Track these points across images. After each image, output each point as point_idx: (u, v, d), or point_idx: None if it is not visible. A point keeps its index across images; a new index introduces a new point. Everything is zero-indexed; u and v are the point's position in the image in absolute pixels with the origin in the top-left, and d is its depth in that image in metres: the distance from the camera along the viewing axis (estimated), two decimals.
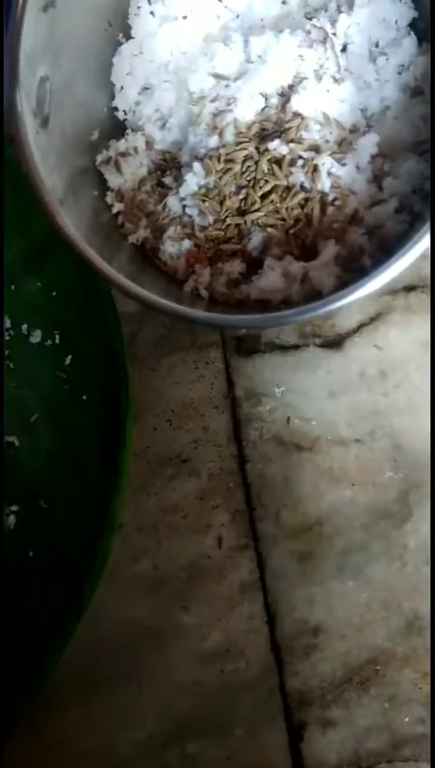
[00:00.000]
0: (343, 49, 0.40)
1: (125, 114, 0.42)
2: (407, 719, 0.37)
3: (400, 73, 0.39)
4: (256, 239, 0.38)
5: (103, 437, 0.38)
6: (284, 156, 0.37)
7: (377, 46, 0.40)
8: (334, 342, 0.42)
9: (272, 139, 0.38)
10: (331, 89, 0.38)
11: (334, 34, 0.39)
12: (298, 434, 0.41)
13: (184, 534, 0.40)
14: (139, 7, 0.42)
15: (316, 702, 0.37)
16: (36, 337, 0.42)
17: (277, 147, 0.37)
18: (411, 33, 0.39)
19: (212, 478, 0.41)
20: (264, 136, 0.38)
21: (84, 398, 0.40)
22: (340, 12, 0.40)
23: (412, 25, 0.40)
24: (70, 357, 0.41)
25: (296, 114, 0.38)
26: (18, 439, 0.41)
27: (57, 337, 0.42)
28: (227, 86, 0.39)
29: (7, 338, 0.42)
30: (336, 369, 0.42)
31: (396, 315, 0.43)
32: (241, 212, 0.38)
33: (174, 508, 0.40)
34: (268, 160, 0.38)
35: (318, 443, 0.41)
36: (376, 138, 0.38)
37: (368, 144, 0.38)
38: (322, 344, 0.42)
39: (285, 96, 0.38)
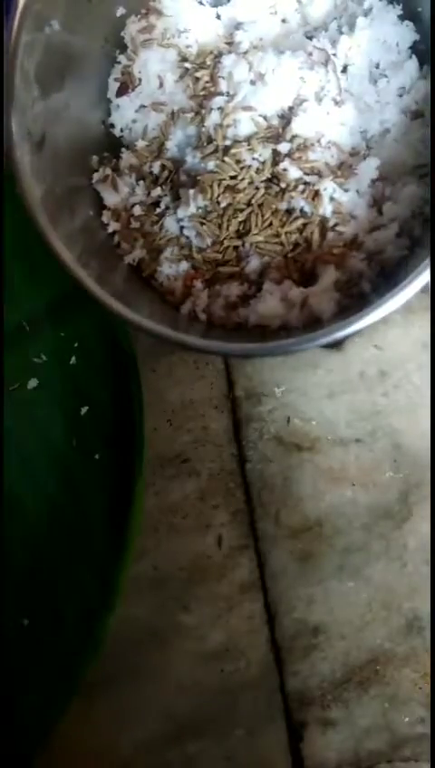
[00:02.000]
0: (344, 70, 0.39)
1: (121, 132, 0.42)
2: (407, 719, 0.37)
3: (400, 96, 0.39)
4: (254, 263, 0.38)
5: (112, 500, 0.37)
6: (286, 180, 0.37)
7: (377, 68, 0.40)
8: (334, 342, 0.42)
9: (276, 163, 0.37)
10: (331, 111, 0.38)
11: (335, 55, 0.39)
12: (298, 434, 0.41)
13: (184, 534, 0.40)
14: (134, 25, 0.41)
15: (316, 702, 0.37)
16: (53, 387, 0.41)
17: (282, 170, 0.37)
18: (413, 55, 0.39)
19: (212, 478, 0.41)
20: (264, 159, 0.38)
21: (96, 456, 0.39)
22: (341, 33, 0.40)
23: (413, 48, 0.40)
24: (86, 408, 0.40)
25: (297, 137, 0.38)
26: (21, 488, 0.39)
27: (75, 390, 0.40)
28: (227, 107, 0.38)
29: (16, 386, 0.41)
30: (336, 369, 0.42)
31: (396, 315, 0.43)
32: (240, 235, 0.38)
33: (174, 508, 0.40)
34: (270, 184, 0.37)
35: (318, 443, 0.41)
36: (376, 162, 0.38)
37: (368, 168, 0.38)
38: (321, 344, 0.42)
39: (286, 118, 0.38)
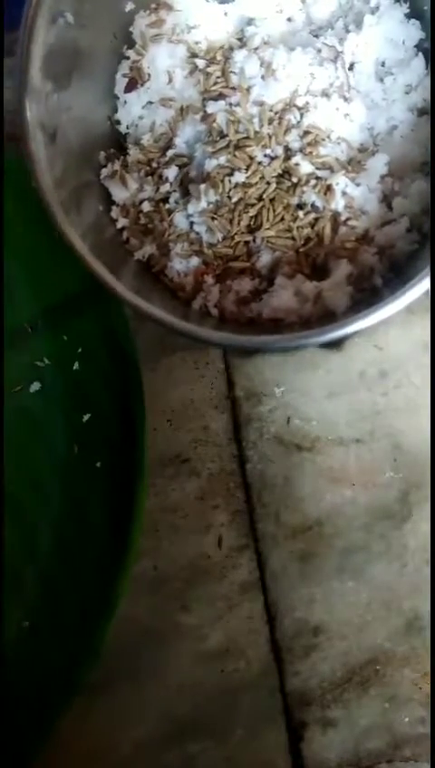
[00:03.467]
0: (350, 68, 0.40)
1: (127, 128, 0.42)
2: (407, 719, 0.37)
3: (407, 93, 0.39)
4: (265, 257, 0.38)
5: (113, 509, 0.37)
6: (297, 174, 0.37)
7: (384, 66, 0.40)
8: (334, 342, 0.42)
9: (288, 158, 0.37)
10: (340, 107, 0.38)
11: (342, 53, 0.39)
12: (298, 434, 0.41)
13: (184, 534, 0.40)
14: (144, 20, 0.41)
15: (316, 702, 0.37)
16: (56, 391, 0.40)
17: (294, 164, 0.37)
18: (419, 53, 0.39)
19: (212, 478, 0.41)
20: (277, 154, 0.38)
21: (98, 464, 0.38)
22: (347, 31, 0.40)
23: (420, 46, 0.40)
24: (88, 416, 0.39)
25: (308, 132, 0.38)
26: (21, 491, 0.39)
27: (77, 393, 0.40)
28: (237, 103, 0.38)
29: (18, 388, 0.41)
30: (336, 369, 0.42)
31: (396, 315, 0.43)
32: (251, 230, 0.38)
33: (174, 508, 0.40)
34: (281, 179, 0.37)
35: (318, 443, 0.41)
36: (385, 158, 0.38)
37: (378, 164, 0.38)
38: (322, 344, 0.42)
39: (296, 114, 0.38)
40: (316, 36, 0.41)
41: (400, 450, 0.40)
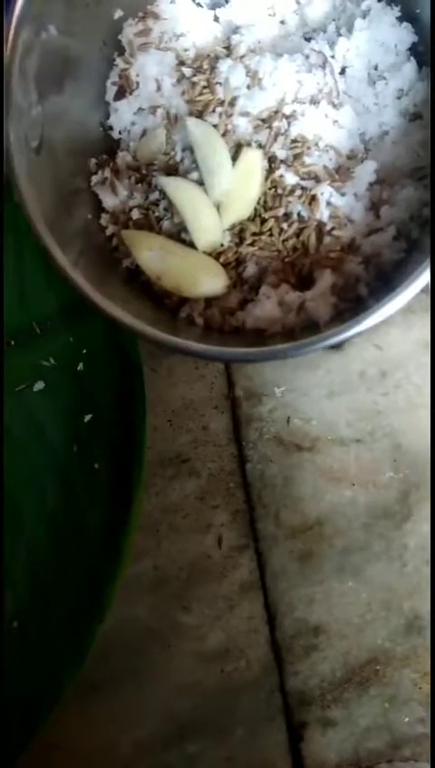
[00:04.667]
0: (341, 72, 0.39)
1: (120, 134, 0.42)
2: (407, 719, 0.37)
3: (399, 98, 0.39)
4: (251, 268, 0.37)
5: (109, 511, 0.37)
6: (282, 186, 0.37)
7: (376, 69, 0.39)
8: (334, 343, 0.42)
9: (276, 168, 0.37)
10: (329, 114, 0.38)
11: (333, 57, 0.39)
12: (298, 434, 0.41)
13: (184, 534, 0.40)
14: (131, 28, 0.41)
15: (316, 702, 0.37)
16: (59, 391, 0.40)
17: (279, 176, 0.37)
18: (411, 57, 0.39)
19: (212, 478, 0.41)
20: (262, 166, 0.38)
21: (96, 466, 0.39)
22: (339, 35, 0.40)
23: (412, 50, 0.39)
24: (89, 416, 0.39)
25: (295, 141, 0.38)
26: (19, 490, 0.39)
27: (79, 394, 0.40)
28: (225, 112, 0.38)
29: (23, 386, 0.41)
30: (336, 369, 0.42)
31: (396, 315, 0.43)
32: (238, 239, 0.38)
33: (174, 508, 0.40)
34: (268, 189, 0.37)
35: (318, 443, 0.41)
36: (374, 165, 0.38)
37: (366, 172, 0.37)
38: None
39: (283, 122, 0.38)
40: (308, 40, 0.41)
41: (400, 450, 0.40)
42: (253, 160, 0.37)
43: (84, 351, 0.40)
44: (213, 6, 0.42)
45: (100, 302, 0.34)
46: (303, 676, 0.37)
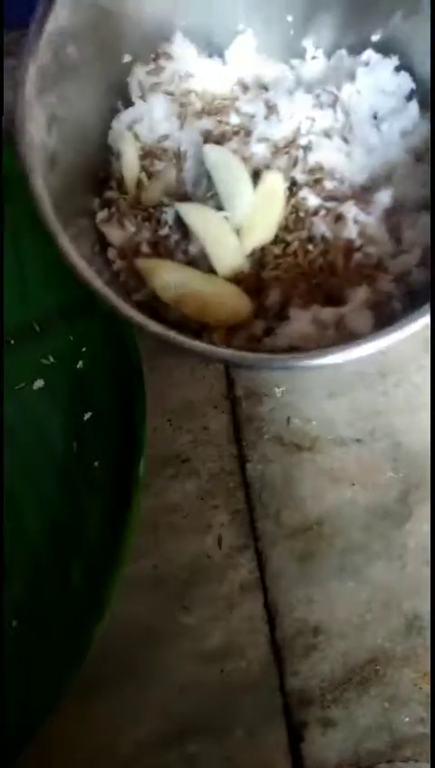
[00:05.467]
0: (347, 115, 0.40)
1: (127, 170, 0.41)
2: (407, 719, 0.37)
3: (404, 138, 0.40)
4: (274, 294, 0.36)
5: (108, 510, 0.37)
6: (304, 208, 0.37)
7: (376, 117, 0.40)
8: None
9: (297, 191, 0.37)
10: (341, 148, 0.39)
11: (339, 98, 0.40)
12: (298, 434, 0.41)
13: (184, 534, 0.40)
14: (142, 68, 0.41)
15: (316, 702, 0.37)
16: (59, 389, 0.40)
17: (301, 198, 0.37)
18: (414, 99, 0.40)
19: (212, 478, 0.41)
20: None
21: (96, 464, 0.38)
22: (340, 85, 0.41)
23: (410, 96, 0.40)
24: (89, 414, 0.39)
25: (313, 169, 0.38)
26: (19, 487, 0.39)
27: (79, 392, 0.40)
28: (242, 140, 0.38)
29: (23, 385, 0.40)
30: (336, 369, 0.42)
31: None
32: (259, 267, 0.37)
33: (174, 508, 0.40)
34: (289, 214, 0.37)
35: (318, 443, 0.41)
36: (390, 192, 0.38)
37: (384, 199, 0.38)
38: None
39: (300, 151, 0.38)
40: (308, 93, 0.41)
41: (400, 450, 0.40)
42: (274, 182, 0.37)
43: (84, 350, 0.40)
44: (210, 56, 0.43)
45: (126, 311, 0.32)
46: (303, 676, 0.37)
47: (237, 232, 0.37)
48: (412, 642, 0.38)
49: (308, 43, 0.42)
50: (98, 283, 0.33)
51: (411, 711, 0.37)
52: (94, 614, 0.35)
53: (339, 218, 0.37)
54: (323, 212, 0.37)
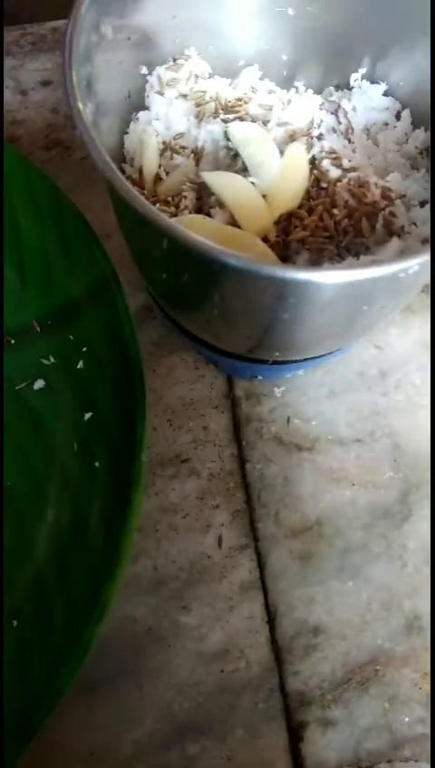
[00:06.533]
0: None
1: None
2: (407, 719, 0.37)
3: (399, 146, 0.41)
4: (304, 256, 0.37)
5: (109, 510, 0.37)
6: (326, 179, 0.38)
7: (371, 130, 0.42)
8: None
9: (319, 164, 0.38)
10: (347, 146, 0.40)
11: (341, 106, 0.41)
12: (298, 434, 0.41)
13: (184, 534, 0.40)
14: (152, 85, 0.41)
15: (316, 702, 0.37)
16: (59, 389, 0.40)
17: (326, 169, 0.38)
18: (407, 111, 0.41)
19: (212, 478, 0.41)
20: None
21: (96, 464, 0.38)
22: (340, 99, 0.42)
23: (399, 116, 0.42)
24: (90, 414, 0.39)
25: (329, 152, 0.39)
26: (19, 487, 0.39)
27: (80, 392, 0.40)
28: (262, 125, 0.40)
29: (23, 385, 0.40)
30: (336, 369, 0.42)
31: (396, 315, 0.43)
32: (286, 233, 0.37)
33: (174, 508, 0.40)
34: (311, 187, 0.38)
35: (318, 443, 0.41)
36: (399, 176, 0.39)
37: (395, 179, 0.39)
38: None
39: (314, 140, 0.40)
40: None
41: (400, 450, 0.40)
42: (298, 152, 0.39)
43: (85, 350, 0.40)
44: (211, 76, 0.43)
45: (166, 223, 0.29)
46: (303, 677, 0.37)
47: (265, 198, 0.38)
48: (412, 642, 0.38)
49: (299, 84, 0.44)
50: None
51: (411, 711, 0.37)
52: (94, 614, 0.35)
53: (362, 185, 0.37)
54: (345, 180, 0.38)
